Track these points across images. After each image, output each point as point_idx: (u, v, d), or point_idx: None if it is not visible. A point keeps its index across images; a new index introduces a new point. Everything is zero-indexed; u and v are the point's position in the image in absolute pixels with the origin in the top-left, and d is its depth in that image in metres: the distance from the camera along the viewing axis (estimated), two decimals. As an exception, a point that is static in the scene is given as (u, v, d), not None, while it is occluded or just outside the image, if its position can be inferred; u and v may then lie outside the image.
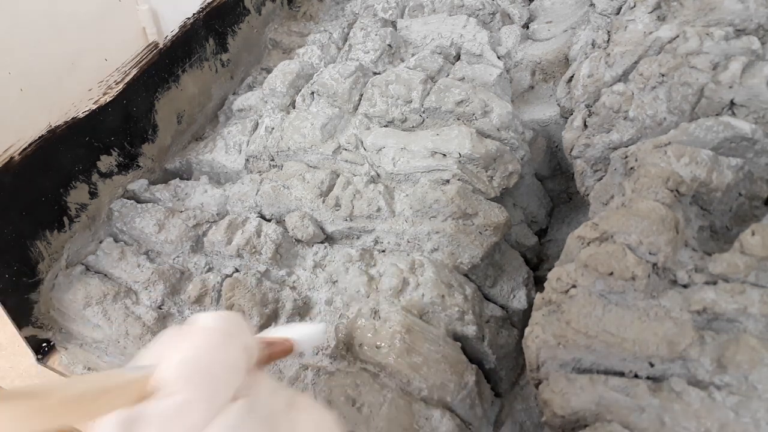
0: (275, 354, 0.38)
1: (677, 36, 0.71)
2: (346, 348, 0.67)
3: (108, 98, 0.85)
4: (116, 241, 0.85)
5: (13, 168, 0.73)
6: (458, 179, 0.78)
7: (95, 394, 0.28)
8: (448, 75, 0.93)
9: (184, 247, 0.82)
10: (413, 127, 0.87)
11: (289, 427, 0.31)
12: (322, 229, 0.81)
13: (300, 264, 0.80)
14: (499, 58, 0.98)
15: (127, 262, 0.81)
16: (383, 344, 0.65)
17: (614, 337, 0.50)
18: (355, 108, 0.91)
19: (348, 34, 1.10)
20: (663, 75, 0.68)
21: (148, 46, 0.93)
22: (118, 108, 0.87)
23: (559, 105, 0.87)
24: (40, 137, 0.76)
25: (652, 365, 0.50)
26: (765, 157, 0.61)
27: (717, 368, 0.47)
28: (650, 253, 0.53)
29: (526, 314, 0.77)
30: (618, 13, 0.87)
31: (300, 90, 0.97)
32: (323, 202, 0.80)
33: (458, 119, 0.84)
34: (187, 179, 0.96)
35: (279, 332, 0.42)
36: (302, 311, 0.75)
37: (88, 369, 0.84)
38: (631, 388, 0.48)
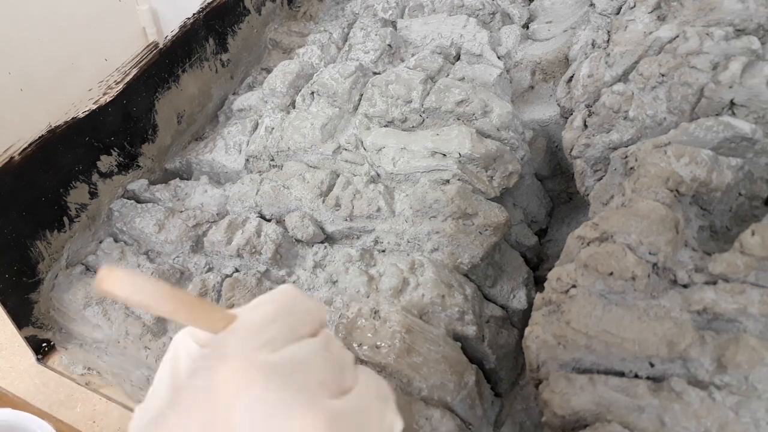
0: None
1: (677, 36, 0.71)
2: (346, 348, 0.67)
3: (108, 98, 0.85)
4: (116, 241, 0.85)
5: (13, 168, 0.73)
6: (458, 179, 0.78)
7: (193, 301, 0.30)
8: (448, 75, 0.93)
9: (184, 247, 0.82)
10: (413, 127, 0.87)
11: (354, 375, 0.31)
12: (322, 229, 0.81)
13: (300, 264, 0.80)
14: (499, 58, 0.98)
15: (127, 262, 0.81)
16: (383, 344, 0.65)
17: (614, 337, 0.50)
18: (355, 108, 0.91)
19: (348, 34, 1.10)
20: (663, 75, 0.68)
21: (148, 46, 0.93)
22: (118, 108, 0.87)
23: (559, 105, 0.87)
24: (40, 137, 0.76)
25: (652, 365, 0.50)
26: (765, 157, 0.61)
27: (717, 368, 0.47)
28: (650, 253, 0.53)
29: (526, 314, 0.77)
30: (618, 13, 0.87)
31: (300, 90, 0.97)
32: (323, 202, 0.80)
33: (458, 119, 0.84)
34: (187, 179, 0.97)
35: None
36: (302, 311, 0.75)
37: (88, 369, 0.84)
38: (631, 388, 0.48)
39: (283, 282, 0.78)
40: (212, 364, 0.28)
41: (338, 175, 0.84)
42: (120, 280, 0.28)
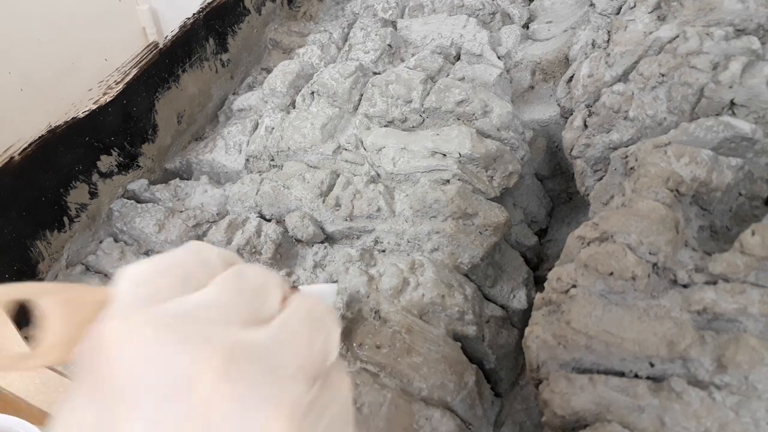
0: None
1: (677, 36, 0.71)
2: (346, 348, 0.67)
3: (108, 98, 0.85)
4: (116, 241, 0.85)
5: (13, 168, 0.73)
6: (458, 179, 0.78)
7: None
8: (448, 75, 0.93)
9: (184, 247, 0.82)
10: (413, 127, 0.87)
11: (279, 300, 0.27)
12: (322, 229, 0.81)
13: (300, 264, 0.80)
14: (499, 58, 0.98)
15: (127, 262, 0.81)
16: (383, 344, 0.65)
17: (614, 337, 0.50)
18: (355, 108, 0.91)
19: (348, 34, 1.10)
20: (663, 75, 0.68)
21: (148, 46, 0.93)
22: (118, 108, 0.87)
23: (559, 105, 0.87)
24: (40, 137, 0.76)
25: (652, 365, 0.50)
26: (765, 157, 0.61)
27: (717, 368, 0.47)
28: (650, 253, 0.53)
29: (526, 314, 0.77)
30: (618, 13, 0.87)
31: (300, 90, 0.97)
32: (323, 202, 0.80)
33: (458, 119, 0.84)
34: (187, 179, 0.96)
35: None
36: (302, 311, 0.75)
37: (88, 369, 0.84)
38: (631, 388, 0.48)
39: (283, 282, 0.78)
40: (96, 328, 0.24)
41: (338, 175, 0.84)
42: None
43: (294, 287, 0.32)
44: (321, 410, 0.24)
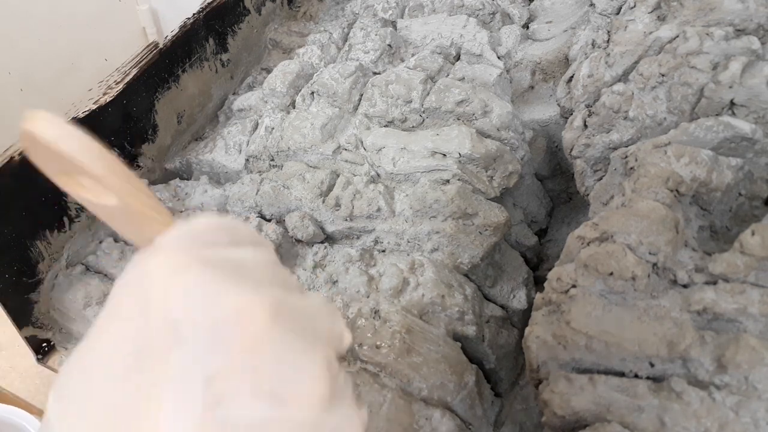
0: None
1: (677, 36, 0.71)
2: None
3: (108, 98, 0.85)
4: (116, 241, 0.85)
5: (13, 168, 0.73)
6: (458, 179, 0.78)
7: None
8: (448, 75, 0.93)
9: (184, 247, 0.82)
10: (413, 127, 0.87)
11: (303, 291, 0.30)
12: (322, 229, 0.81)
13: (300, 264, 0.80)
14: (499, 58, 0.98)
15: (127, 262, 0.81)
16: (383, 344, 0.65)
17: (614, 337, 0.50)
18: (355, 108, 0.91)
19: (348, 34, 1.10)
20: (663, 75, 0.68)
21: (148, 46, 0.93)
22: (118, 108, 0.87)
23: (559, 105, 0.87)
24: (40, 137, 0.76)
25: (652, 365, 0.50)
26: (765, 157, 0.61)
27: (717, 368, 0.47)
28: (650, 253, 0.53)
29: (526, 314, 0.77)
30: (618, 13, 0.87)
31: (300, 90, 0.97)
32: (323, 202, 0.80)
33: (458, 119, 0.84)
34: (187, 179, 0.97)
35: None
36: (302, 311, 0.75)
37: (88, 369, 0.84)
38: (631, 388, 0.48)
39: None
40: (143, 258, 0.25)
41: (338, 175, 0.84)
42: (48, 123, 0.24)
43: None
44: (341, 381, 0.26)
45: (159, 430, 0.20)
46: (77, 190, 0.27)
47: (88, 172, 0.25)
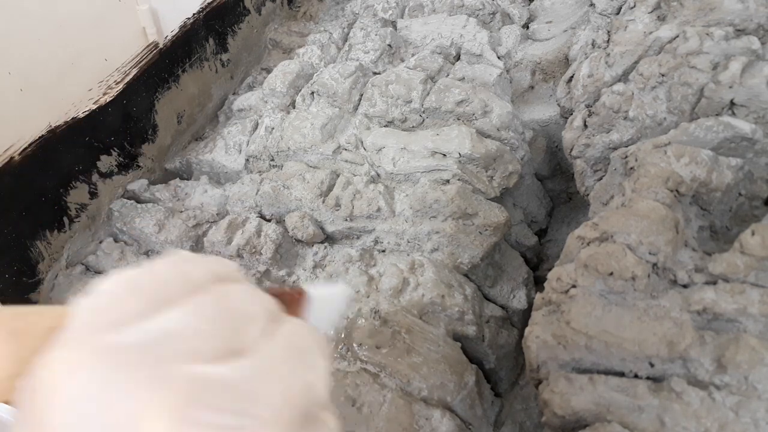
0: (284, 295, 0.29)
1: (677, 36, 0.71)
2: (346, 348, 0.67)
3: (108, 98, 0.85)
4: (116, 241, 0.85)
5: (13, 168, 0.73)
6: (458, 179, 0.78)
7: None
8: (448, 75, 0.93)
9: (184, 247, 0.82)
10: (413, 127, 0.87)
11: (265, 330, 0.24)
12: (322, 229, 0.81)
13: (300, 264, 0.80)
14: (499, 58, 0.98)
15: (127, 262, 0.81)
16: (383, 344, 0.65)
17: (614, 337, 0.50)
18: (355, 108, 0.91)
19: (348, 34, 1.10)
20: (663, 75, 0.68)
21: (148, 46, 0.93)
22: (118, 108, 0.87)
23: (559, 105, 0.87)
24: (40, 137, 0.76)
25: (652, 365, 0.50)
26: (765, 157, 0.61)
27: (717, 368, 0.47)
28: (650, 253, 0.53)
29: (526, 314, 0.77)
30: (618, 13, 0.87)
31: (300, 90, 0.97)
32: (323, 202, 0.80)
33: (458, 119, 0.84)
34: (187, 179, 0.96)
35: None
36: (302, 311, 0.75)
37: (88, 369, 0.84)
38: (631, 388, 0.48)
39: (283, 282, 0.79)
40: (36, 366, 0.21)
41: (338, 175, 0.84)
42: None
43: (300, 292, 0.29)
44: None
45: None
46: None
47: None
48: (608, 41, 0.83)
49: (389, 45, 1.00)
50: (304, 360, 0.24)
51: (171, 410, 0.19)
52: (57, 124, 0.79)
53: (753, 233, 0.50)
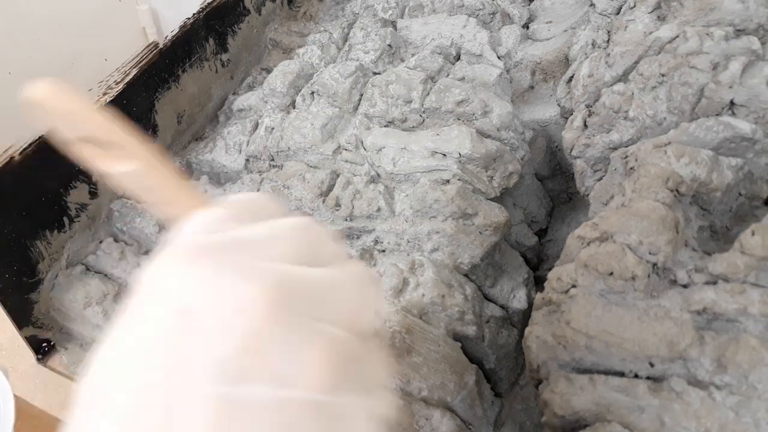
0: None
1: (677, 36, 0.71)
2: (346, 348, 0.67)
3: (108, 98, 0.85)
4: (116, 241, 0.85)
5: (13, 168, 0.73)
6: (458, 179, 0.78)
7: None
8: (448, 75, 0.93)
9: (184, 247, 0.82)
10: (413, 127, 0.87)
11: (338, 255, 0.29)
12: (322, 229, 0.81)
13: (300, 264, 0.80)
14: (499, 58, 0.98)
15: (127, 262, 0.81)
16: (383, 344, 0.65)
17: (614, 337, 0.50)
18: (355, 108, 0.91)
19: (348, 34, 1.10)
20: (663, 75, 0.68)
21: (148, 46, 0.93)
22: (118, 108, 0.87)
23: (559, 105, 0.88)
24: (40, 137, 0.76)
25: (652, 365, 0.50)
26: (765, 157, 0.61)
27: (717, 368, 0.47)
28: (650, 253, 0.53)
29: (526, 314, 0.77)
30: (618, 13, 0.87)
31: (300, 90, 0.97)
32: (323, 202, 0.80)
33: (458, 119, 0.84)
34: (187, 179, 0.97)
35: None
36: (302, 311, 0.75)
37: (88, 369, 0.84)
38: (631, 388, 0.48)
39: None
40: (165, 248, 0.26)
41: (338, 175, 0.84)
42: (59, 88, 0.24)
43: None
44: (359, 363, 0.25)
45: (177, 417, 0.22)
46: (91, 157, 0.27)
47: (103, 135, 0.25)
48: (608, 41, 0.83)
49: (389, 45, 1.00)
50: (369, 285, 0.28)
51: (266, 301, 0.23)
52: (57, 124, 0.78)
53: (753, 233, 0.51)
